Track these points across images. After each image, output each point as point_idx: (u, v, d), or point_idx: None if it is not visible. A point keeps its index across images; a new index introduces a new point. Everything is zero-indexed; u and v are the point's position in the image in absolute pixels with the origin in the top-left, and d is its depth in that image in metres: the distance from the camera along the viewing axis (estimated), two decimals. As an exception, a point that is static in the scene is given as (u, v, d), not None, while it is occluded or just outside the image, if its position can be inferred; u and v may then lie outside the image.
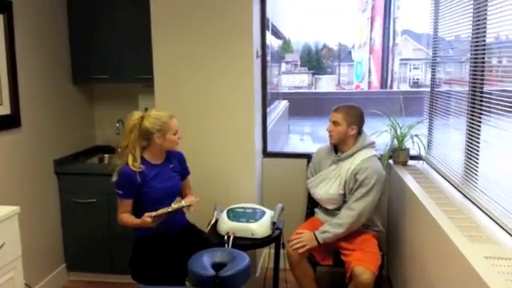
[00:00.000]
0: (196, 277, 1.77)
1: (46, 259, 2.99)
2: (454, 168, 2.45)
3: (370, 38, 17.40)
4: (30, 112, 2.80)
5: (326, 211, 2.72)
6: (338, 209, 2.65)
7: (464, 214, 2.01)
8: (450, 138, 2.64)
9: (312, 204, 2.93)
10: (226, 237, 2.43)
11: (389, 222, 3.05)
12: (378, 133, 2.98)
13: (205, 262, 1.86)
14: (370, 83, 17.58)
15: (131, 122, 2.28)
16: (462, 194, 2.25)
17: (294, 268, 2.57)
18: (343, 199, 2.62)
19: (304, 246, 2.47)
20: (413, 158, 3.02)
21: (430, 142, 3.01)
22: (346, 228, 2.48)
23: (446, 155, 2.63)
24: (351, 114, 2.59)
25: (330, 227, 2.50)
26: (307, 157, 3.03)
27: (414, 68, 24.11)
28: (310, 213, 2.97)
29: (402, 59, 19.77)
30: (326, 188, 2.65)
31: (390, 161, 3.03)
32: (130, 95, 3.44)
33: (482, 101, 2.12)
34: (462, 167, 2.30)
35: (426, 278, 2.09)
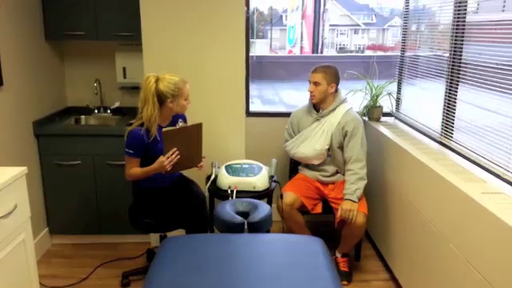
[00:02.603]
0: (227, 224, 1.90)
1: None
2: (429, 122, 2.75)
3: (302, 3, 17.64)
4: (10, 70, 2.64)
5: (310, 167, 2.93)
6: (323, 163, 2.87)
7: (448, 159, 2.31)
8: (425, 96, 2.93)
9: (294, 161, 3.11)
10: (229, 190, 2.56)
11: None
12: (353, 92, 3.23)
13: (230, 211, 1.98)
14: (302, 48, 17.95)
15: (152, 88, 2.30)
16: (441, 143, 2.56)
17: (286, 219, 2.78)
18: (327, 153, 2.83)
19: (353, 213, 2.58)
20: (383, 114, 3.32)
21: (398, 101, 3.31)
22: (366, 177, 2.70)
23: (422, 111, 2.93)
24: (329, 73, 2.78)
25: (354, 185, 2.64)
26: (288, 116, 3.17)
27: (341, 34, 25.01)
28: (293, 167, 3.16)
29: (331, 25, 20.37)
30: (312, 145, 2.84)
31: (365, 118, 3.30)
32: (103, 53, 3.33)
33: (460, 65, 2.40)
34: (439, 121, 2.60)
35: (419, 220, 2.38)
